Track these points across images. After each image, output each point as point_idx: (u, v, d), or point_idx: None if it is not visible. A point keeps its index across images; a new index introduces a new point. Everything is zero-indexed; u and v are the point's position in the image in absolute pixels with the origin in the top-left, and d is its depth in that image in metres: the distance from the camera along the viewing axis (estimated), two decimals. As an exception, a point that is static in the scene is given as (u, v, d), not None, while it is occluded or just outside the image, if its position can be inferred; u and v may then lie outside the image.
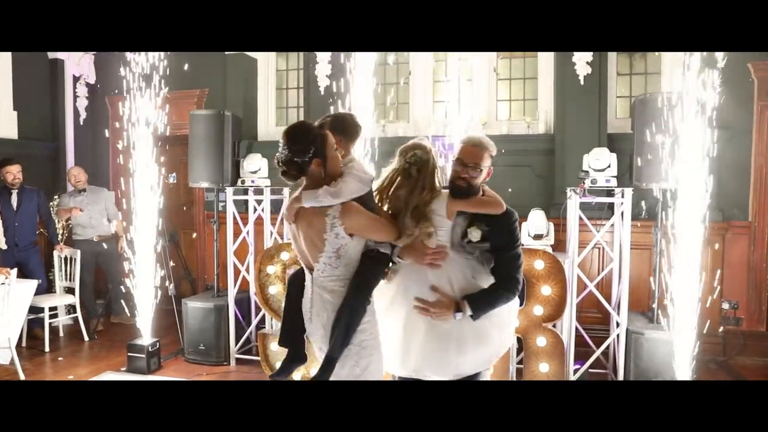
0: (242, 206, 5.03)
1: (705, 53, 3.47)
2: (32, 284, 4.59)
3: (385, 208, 2.28)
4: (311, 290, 2.19)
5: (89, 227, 5.56)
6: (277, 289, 3.82)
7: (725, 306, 4.84)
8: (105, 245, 5.58)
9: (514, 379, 3.65)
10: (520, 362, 3.70)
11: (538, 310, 3.48)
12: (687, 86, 3.49)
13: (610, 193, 4.11)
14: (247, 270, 4.80)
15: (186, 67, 5.59)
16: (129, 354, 4.47)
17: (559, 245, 4.62)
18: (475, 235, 2.17)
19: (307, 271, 2.22)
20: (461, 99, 4.39)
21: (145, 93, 4.43)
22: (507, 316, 2.30)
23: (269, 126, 6.47)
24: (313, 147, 2.08)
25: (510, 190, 5.32)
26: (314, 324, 2.19)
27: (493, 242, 2.19)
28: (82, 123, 6.67)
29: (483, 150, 2.24)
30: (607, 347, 4.20)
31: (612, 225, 4.17)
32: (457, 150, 2.29)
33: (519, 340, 3.58)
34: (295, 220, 2.17)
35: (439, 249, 2.18)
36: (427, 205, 2.20)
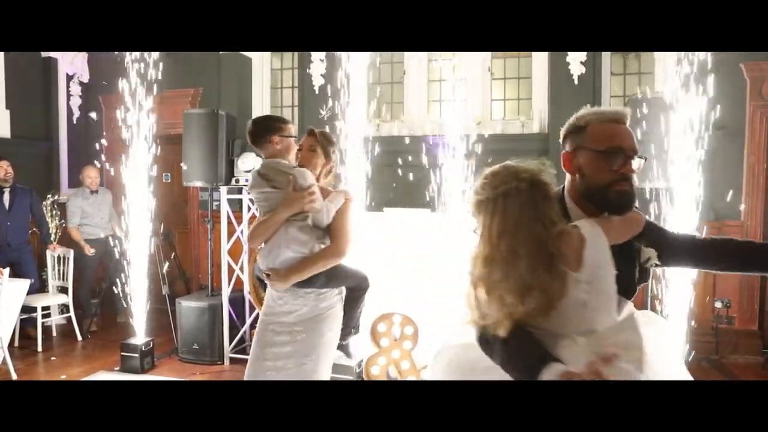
0: (236, 205, 5.02)
1: (698, 54, 3.50)
2: (25, 283, 4.57)
3: None
4: None
5: (99, 227, 5.55)
6: (271, 289, 3.81)
7: (718, 305, 4.86)
8: (113, 243, 5.55)
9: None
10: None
11: (532, 309, 3.50)
12: (680, 86, 3.51)
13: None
14: (241, 269, 4.80)
15: (179, 65, 5.58)
16: (122, 353, 4.45)
17: (553, 244, 4.64)
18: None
19: None
20: (456, 98, 4.40)
21: (140, 93, 4.42)
22: None
23: (264, 125, 6.45)
24: None
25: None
26: None
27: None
28: (75, 122, 6.64)
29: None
30: (601, 346, 4.21)
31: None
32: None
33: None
34: None
35: None
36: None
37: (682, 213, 3.55)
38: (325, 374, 2.36)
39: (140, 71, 4.46)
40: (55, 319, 5.49)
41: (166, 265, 5.19)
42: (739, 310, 4.90)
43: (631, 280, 1.46)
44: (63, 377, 4.37)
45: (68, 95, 6.58)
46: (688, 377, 1.52)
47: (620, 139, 1.42)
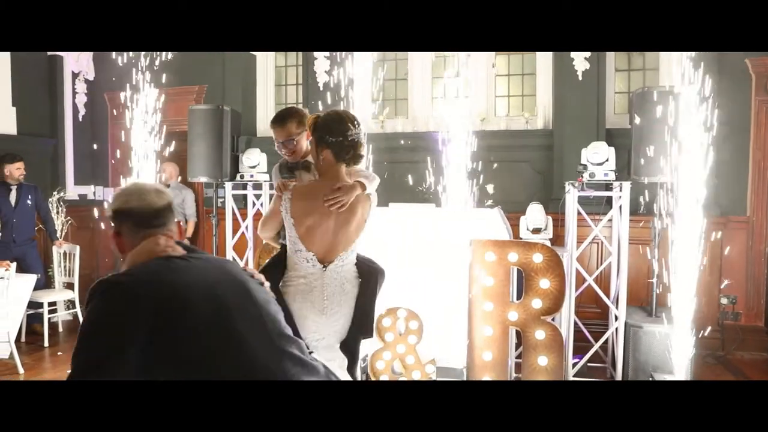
0: (241, 201, 5.04)
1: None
2: (31, 278, 4.60)
3: None
4: (324, 284, 2.18)
5: None
6: (276, 283, 3.82)
7: (724, 301, 4.85)
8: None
9: (513, 372, 3.67)
10: (519, 356, 3.71)
11: (537, 304, 3.48)
12: (685, 82, 3.50)
13: (608, 187, 4.13)
14: (246, 264, 4.81)
15: (184, 63, 5.59)
16: (128, 349, 4.46)
17: (558, 240, 4.64)
18: None
19: (317, 266, 2.20)
20: (460, 95, 4.40)
21: (146, 89, 4.43)
22: None
23: (268, 122, 6.42)
24: None
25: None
26: (332, 319, 2.20)
27: None
28: (81, 119, 6.68)
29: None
30: (606, 341, 4.21)
31: (610, 219, 4.18)
32: None
33: (518, 333, 3.59)
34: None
35: None
36: None
37: (687, 208, 3.54)
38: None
39: (145, 69, 4.46)
40: (62, 315, 5.51)
41: None
42: (746, 306, 4.89)
43: None
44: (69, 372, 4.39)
45: (74, 93, 6.61)
46: None
47: None
